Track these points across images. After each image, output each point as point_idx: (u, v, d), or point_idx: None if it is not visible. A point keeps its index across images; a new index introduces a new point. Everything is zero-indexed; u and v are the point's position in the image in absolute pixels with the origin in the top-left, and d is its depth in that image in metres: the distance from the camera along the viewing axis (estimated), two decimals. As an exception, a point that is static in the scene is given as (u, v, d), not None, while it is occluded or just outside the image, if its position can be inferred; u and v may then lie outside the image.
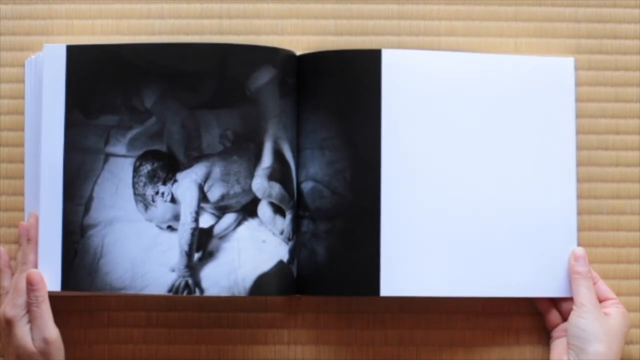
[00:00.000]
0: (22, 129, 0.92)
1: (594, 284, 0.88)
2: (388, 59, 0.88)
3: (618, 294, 0.91)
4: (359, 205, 0.88)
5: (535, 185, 0.89)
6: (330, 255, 0.88)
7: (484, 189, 0.89)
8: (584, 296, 0.86)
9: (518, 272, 0.88)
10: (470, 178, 0.89)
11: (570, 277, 0.88)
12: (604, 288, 0.89)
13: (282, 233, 0.88)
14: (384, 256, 0.87)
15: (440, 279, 0.88)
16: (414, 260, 0.88)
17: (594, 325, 0.85)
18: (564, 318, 0.89)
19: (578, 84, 0.93)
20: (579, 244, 0.90)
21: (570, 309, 0.87)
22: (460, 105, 0.89)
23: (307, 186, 0.89)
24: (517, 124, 0.89)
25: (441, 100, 0.89)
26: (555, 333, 0.90)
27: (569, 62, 0.91)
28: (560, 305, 0.90)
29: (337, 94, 0.88)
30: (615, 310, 0.87)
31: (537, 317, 0.92)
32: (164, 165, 0.88)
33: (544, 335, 0.92)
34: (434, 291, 0.88)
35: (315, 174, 0.89)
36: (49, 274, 0.87)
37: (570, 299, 0.88)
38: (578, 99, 0.93)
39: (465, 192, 0.88)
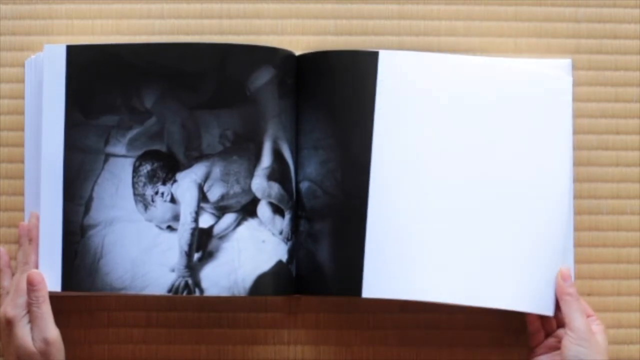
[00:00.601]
0: (22, 129, 0.92)
1: None
2: (385, 60, 0.88)
3: (618, 294, 0.92)
4: (347, 206, 0.87)
5: (528, 193, 0.88)
6: (322, 255, 0.88)
7: (475, 194, 0.87)
8: (579, 321, 0.85)
9: (504, 284, 0.87)
10: (461, 182, 0.87)
11: (560, 298, 0.87)
12: (585, 304, 0.88)
13: (281, 233, 0.88)
14: (368, 257, 0.86)
15: (425, 283, 0.86)
16: (400, 263, 0.86)
17: (592, 353, 0.84)
18: (547, 334, 0.89)
19: (578, 84, 0.93)
20: (577, 245, 0.91)
21: (554, 326, 0.88)
22: (454, 108, 0.88)
23: (304, 186, 0.89)
24: (512, 128, 0.88)
25: (437, 102, 0.88)
26: (539, 350, 0.89)
27: (566, 63, 0.91)
28: (545, 322, 0.89)
29: (334, 94, 0.88)
30: (598, 329, 0.86)
31: (537, 317, 0.92)
32: (163, 165, 0.88)
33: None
34: (417, 295, 0.87)
35: (310, 173, 0.89)
36: (49, 274, 0.87)
37: (555, 316, 0.88)
38: (578, 99, 0.93)
39: (456, 197, 0.87)
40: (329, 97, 0.88)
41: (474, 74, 0.88)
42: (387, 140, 0.87)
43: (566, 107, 0.89)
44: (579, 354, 0.84)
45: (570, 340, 0.84)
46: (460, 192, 0.87)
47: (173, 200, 0.88)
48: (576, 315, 0.85)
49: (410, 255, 0.87)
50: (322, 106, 0.88)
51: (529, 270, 0.87)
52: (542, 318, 0.89)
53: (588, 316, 0.86)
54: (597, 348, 0.84)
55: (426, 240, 0.87)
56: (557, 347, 0.87)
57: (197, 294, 0.86)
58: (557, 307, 0.88)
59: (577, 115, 0.93)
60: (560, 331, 0.87)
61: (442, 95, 0.88)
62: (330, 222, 0.88)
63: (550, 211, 0.88)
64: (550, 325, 0.89)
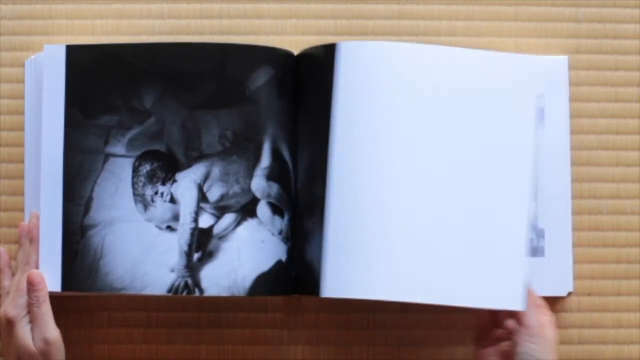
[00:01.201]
0: (22, 129, 0.92)
1: None
2: (344, 52, 0.85)
3: (618, 294, 0.92)
4: (309, 206, 0.87)
5: (490, 189, 0.85)
6: (308, 254, 0.87)
7: (439, 189, 0.84)
8: (532, 316, 0.84)
9: (468, 280, 0.84)
10: (426, 178, 0.84)
11: None
12: (535, 296, 0.85)
13: (280, 233, 0.88)
14: (328, 256, 0.84)
15: (387, 282, 0.84)
16: (361, 261, 0.84)
17: (545, 351, 0.83)
18: (496, 326, 0.87)
19: (578, 84, 0.93)
20: (577, 245, 0.90)
21: (503, 317, 0.86)
22: (419, 99, 0.84)
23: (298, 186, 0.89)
24: (475, 122, 0.85)
25: (400, 94, 0.84)
26: (486, 342, 0.87)
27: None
28: (493, 314, 0.87)
29: (303, 92, 0.87)
30: (546, 320, 0.84)
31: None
32: (163, 166, 0.88)
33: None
34: (378, 294, 0.84)
35: (299, 173, 0.89)
36: (49, 274, 0.87)
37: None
38: (578, 99, 0.93)
39: (420, 192, 0.84)
40: (303, 95, 0.88)
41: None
42: (347, 134, 0.84)
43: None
44: (530, 350, 0.83)
45: (522, 337, 0.83)
46: (424, 188, 0.84)
47: (173, 200, 0.88)
48: (529, 311, 0.84)
49: (372, 254, 0.84)
50: (302, 105, 0.88)
51: (492, 266, 0.84)
52: (493, 311, 0.87)
53: (537, 306, 0.85)
54: (550, 346, 0.83)
55: (389, 237, 0.84)
56: (504, 339, 0.86)
57: (197, 294, 0.86)
58: None
59: (577, 115, 0.93)
60: (510, 322, 0.86)
61: (405, 86, 0.84)
62: (304, 221, 0.87)
63: (512, 205, 0.85)
64: (499, 317, 0.87)
